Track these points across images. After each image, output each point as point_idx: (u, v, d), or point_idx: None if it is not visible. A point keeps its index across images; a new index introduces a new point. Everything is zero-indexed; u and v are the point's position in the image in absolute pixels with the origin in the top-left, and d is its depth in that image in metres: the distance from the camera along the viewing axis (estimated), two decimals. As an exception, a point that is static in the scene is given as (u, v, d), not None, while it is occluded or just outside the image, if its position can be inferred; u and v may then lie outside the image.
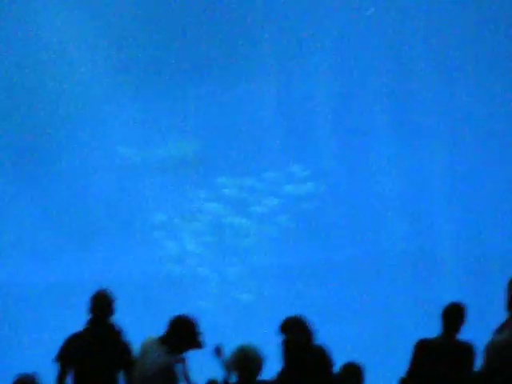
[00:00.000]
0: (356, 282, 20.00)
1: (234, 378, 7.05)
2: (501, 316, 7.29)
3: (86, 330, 7.65)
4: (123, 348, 7.61)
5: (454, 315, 7.41)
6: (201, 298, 19.32)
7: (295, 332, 6.92)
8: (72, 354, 7.55)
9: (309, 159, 20.77)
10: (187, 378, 7.39)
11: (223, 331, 17.43)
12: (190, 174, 20.81)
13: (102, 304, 7.58)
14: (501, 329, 7.18)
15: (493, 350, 7.01)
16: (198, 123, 21.24)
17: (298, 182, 20.28)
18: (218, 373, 7.22)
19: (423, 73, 21.10)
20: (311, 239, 20.36)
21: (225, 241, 20.28)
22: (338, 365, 7.23)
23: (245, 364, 6.90)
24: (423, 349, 7.36)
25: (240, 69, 21.28)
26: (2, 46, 20.59)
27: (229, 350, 7.11)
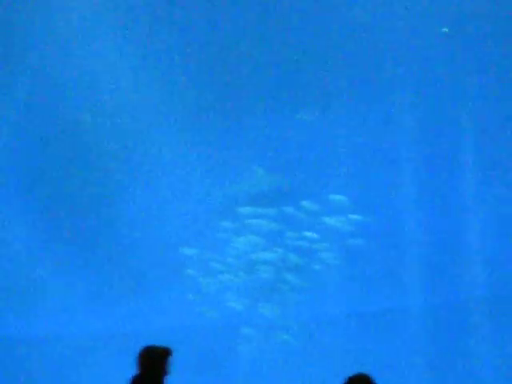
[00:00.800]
0: (416, 333, 18.55)
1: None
2: None
3: None
4: None
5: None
6: (243, 342, 17.67)
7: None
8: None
9: (353, 189, 19.20)
10: None
11: (267, 376, 16.03)
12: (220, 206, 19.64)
13: (153, 361, 6.40)
14: None
15: None
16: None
17: (340, 214, 18.52)
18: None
19: None
20: (363, 283, 18.93)
21: (261, 278, 18.70)
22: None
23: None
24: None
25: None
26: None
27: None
